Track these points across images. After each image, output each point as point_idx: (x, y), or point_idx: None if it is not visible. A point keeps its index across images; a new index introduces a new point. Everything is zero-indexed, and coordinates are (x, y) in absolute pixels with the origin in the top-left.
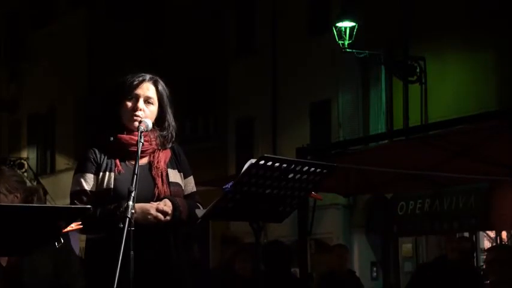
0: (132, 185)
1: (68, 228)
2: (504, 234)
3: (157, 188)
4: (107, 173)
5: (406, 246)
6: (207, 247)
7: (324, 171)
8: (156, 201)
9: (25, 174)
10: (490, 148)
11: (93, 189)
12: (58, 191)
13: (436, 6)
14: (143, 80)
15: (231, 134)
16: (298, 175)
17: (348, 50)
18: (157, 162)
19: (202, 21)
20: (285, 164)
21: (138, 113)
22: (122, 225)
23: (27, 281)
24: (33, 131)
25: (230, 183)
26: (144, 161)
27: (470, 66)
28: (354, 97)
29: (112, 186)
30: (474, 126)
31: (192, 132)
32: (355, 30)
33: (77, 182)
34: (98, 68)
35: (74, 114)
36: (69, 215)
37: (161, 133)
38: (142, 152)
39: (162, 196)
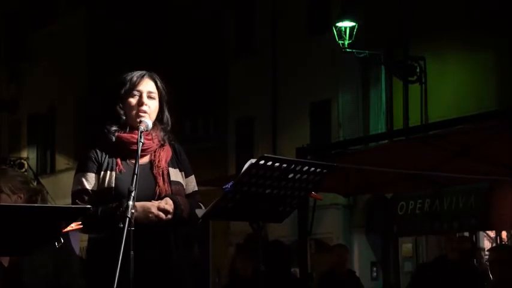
0: (132, 184)
1: (68, 228)
2: (504, 234)
3: (159, 186)
4: (108, 172)
5: (406, 246)
6: (207, 247)
7: (324, 171)
8: (157, 200)
9: (25, 174)
10: (490, 148)
11: (95, 188)
12: (58, 191)
13: (436, 6)
14: (143, 76)
15: (231, 134)
16: (298, 175)
17: (348, 50)
18: (159, 161)
19: (202, 21)
20: (285, 164)
21: (144, 108)
22: (121, 225)
23: (27, 281)
24: (33, 131)
25: (230, 183)
26: (145, 160)
27: (470, 66)
28: (354, 97)
29: (113, 185)
30: (474, 126)
31: (192, 132)
32: (355, 30)
33: (78, 182)
34: (98, 68)
35: (74, 114)
36: (69, 215)
37: (162, 127)
38: (143, 150)
39: (163, 195)
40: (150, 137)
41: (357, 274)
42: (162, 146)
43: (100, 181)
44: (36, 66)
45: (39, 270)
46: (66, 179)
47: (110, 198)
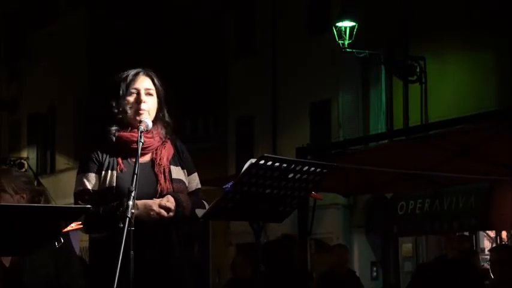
0: (132, 184)
1: (68, 228)
2: (504, 234)
3: (160, 184)
4: (109, 172)
5: (406, 246)
6: (207, 247)
7: (324, 171)
8: (159, 198)
9: (29, 174)
10: (490, 148)
11: (96, 188)
12: (58, 191)
13: (436, 6)
14: (138, 73)
15: (231, 134)
16: (298, 175)
17: (348, 50)
18: (160, 159)
19: (202, 21)
20: (285, 163)
21: (143, 105)
22: (121, 225)
23: (27, 281)
24: (33, 131)
25: (230, 183)
26: (146, 158)
27: (470, 66)
28: (354, 97)
29: (114, 184)
30: (474, 126)
31: (192, 132)
32: (355, 30)
33: (79, 182)
34: (98, 68)
35: (74, 114)
36: (70, 215)
37: (162, 123)
38: (144, 148)
39: (164, 193)
40: (150, 135)
41: (357, 274)
42: (163, 143)
43: (101, 181)
44: (36, 66)
45: (39, 270)
46: (66, 179)
47: (111, 198)
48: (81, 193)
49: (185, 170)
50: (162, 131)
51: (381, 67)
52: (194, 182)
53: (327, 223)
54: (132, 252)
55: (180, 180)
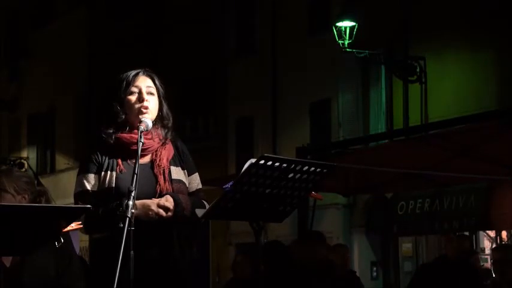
0: (132, 184)
1: (68, 228)
2: (504, 233)
3: (159, 185)
4: (109, 172)
5: (406, 246)
6: (207, 247)
7: (324, 170)
8: (158, 198)
9: (30, 175)
10: (490, 148)
11: (96, 189)
12: (58, 191)
13: (436, 6)
14: (138, 73)
15: (231, 134)
16: (298, 175)
17: (348, 49)
18: (160, 159)
19: (202, 21)
20: (284, 163)
21: (145, 103)
22: (121, 225)
23: (27, 281)
24: (33, 130)
25: (230, 183)
26: (146, 159)
27: (470, 66)
28: (354, 97)
29: (114, 185)
30: (474, 126)
31: (192, 132)
32: (355, 30)
33: (79, 183)
34: (98, 68)
35: (74, 114)
36: (70, 215)
37: (162, 124)
38: (144, 150)
39: (164, 193)
40: (150, 136)
41: (357, 274)
42: (163, 144)
43: (101, 181)
44: (36, 66)
45: (40, 270)
46: (66, 179)
47: (111, 198)
48: (81, 194)
49: (185, 171)
50: (162, 132)
51: (381, 67)
52: (195, 182)
53: (327, 223)
54: (132, 252)
55: (180, 181)
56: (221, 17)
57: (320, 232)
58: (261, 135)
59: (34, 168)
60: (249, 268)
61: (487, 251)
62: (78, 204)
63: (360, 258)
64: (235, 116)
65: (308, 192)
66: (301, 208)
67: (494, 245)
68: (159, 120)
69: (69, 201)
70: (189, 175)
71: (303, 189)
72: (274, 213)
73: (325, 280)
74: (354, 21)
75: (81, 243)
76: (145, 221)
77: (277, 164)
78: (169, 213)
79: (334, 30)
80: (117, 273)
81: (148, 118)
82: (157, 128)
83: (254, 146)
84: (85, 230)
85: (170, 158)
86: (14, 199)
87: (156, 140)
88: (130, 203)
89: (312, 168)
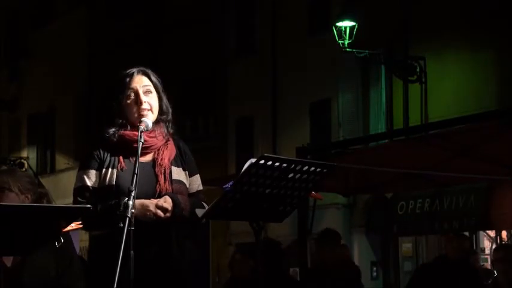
0: (132, 184)
1: (68, 228)
2: (504, 233)
3: (159, 185)
4: (110, 170)
5: (406, 246)
6: (207, 247)
7: (324, 170)
8: (157, 199)
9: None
10: (490, 148)
11: (96, 186)
12: (58, 191)
13: (436, 6)
14: (133, 73)
15: (231, 134)
16: (298, 174)
17: (348, 49)
18: (161, 159)
19: (202, 21)
20: (284, 163)
21: (144, 105)
22: (121, 225)
23: (27, 281)
24: (33, 130)
25: (230, 183)
26: (148, 157)
27: (470, 66)
28: (354, 97)
29: (114, 182)
30: (474, 126)
31: (192, 132)
32: (355, 30)
33: (79, 179)
34: (98, 68)
35: (74, 114)
36: (70, 215)
37: (161, 117)
38: (147, 148)
39: (163, 193)
40: (153, 135)
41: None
42: (166, 143)
43: (101, 178)
44: (36, 66)
45: (40, 270)
46: (66, 179)
47: (111, 196)
48: (80, 189)
49: (187, 172)
50: (164, 129)
51: (381, 67)
52: (195, 184)
53: (327, 223)
54: (132, 252)
55: (180, 182)
56: (221, 17)
57: (337, 232)
58: (261, 135)
59: (34, 168)
60: (247, 267)
61: (487, 251)
62: (76, 199)
63: (360, 258)
64: (235, 116)
65: (308, 192)
66: (301, 208)
67: (494, 245)
68: (159, 115)
69: (69, 201)
70: (190, 176)
71: (303, 189)
72: (274, 213)
73: (349, 279)
74: (354, 21)
75: (81, 243)
76: (144, 221)
77: (277, 164)
78: (168, 214)
79: (334, 30)
80: (117, 273)
81: (150, 118)
82: (161, 126)
83: (254, 146)
84: (83, 226)
85: (172, 158)
86: (18, 198)
87: (160, 138)
88: (131, 202)
89: (312, 168)
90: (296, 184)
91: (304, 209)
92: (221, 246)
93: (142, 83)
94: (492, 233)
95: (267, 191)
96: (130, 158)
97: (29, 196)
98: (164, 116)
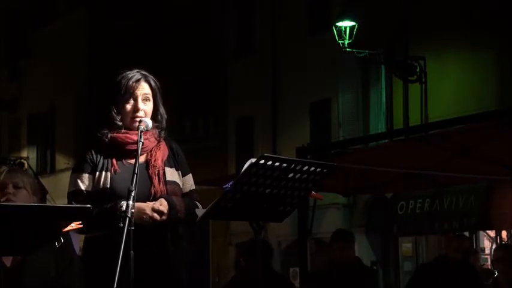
0: (132, 184)
1: (68, 228)
2: (504, 233)
3: (154, 186)
4: (103, 173)
5: (406, 246)
6: (207, 247)
7: (324, 170)
8: (152, 200)
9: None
10: (490, 148)
11: (90, 189)
12: (58, 191)
13: (436, 6)
14: (138, 80)
15: (231, 134)
16: (298, 174)
17: (348, 49)
18: (155, 160)
19: (202, 21)
20: (284, 163)
21: (139, 113)
22: (121, 225)
23: (27, 281)
24: (33, 130)
25: (230, 183)
26: (141, 159)
27: (470, 66)
28: (354, 97)
29: (108, 185)
30: (474, 126)
31: (192, 132)
32: (355, 30)
33: (73, 183)
34: (98, 68)
35: (74, 114)
36: (70, 215)
37: (156, 124)
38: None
39: (158, 195)
40: (146, 136)
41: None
42: (158, 144)
43: (95, 182)
44: (36, 66)
45: (40, 270)
46: (66, 179)
47: (105, 199)
48: (74, 193)
49: (180, 172)
50: (156, 132)
51: (381, 67)
52: (188, 183)
53: (327, 223)
54: (132, 252)
55: (174, 182)
56: (221, 17)
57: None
58: (261, 135)
59: (34, 168)
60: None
61: (487, 251)
62: (71, 203)
63: (360, 258)
64: (235, 116)
65: (308, 192)
66: (301, 208)
67: (494, 245)
68: (153, 120)
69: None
70: (183, 176)
71: (303, 189)
72: (274, 213)
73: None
74: (354, 21)
75: (81, 243)
76: (139, 223)
77: (277, 163)
78: (164, 217)
79: (334, 30)
80: (117, 273)
81: (148, 119)
82: (153, 128)
83: (254, 146)
84: (79, 230)
85: (165, 158)
86: (30, 199)
87: (152, 139)
88: (131, 202)
89: (312, 168)
90: (296, 184)
91: (304, 209)
92: (221, 246)
93: (143, 90)
94: (492, 233)
95: (267, 191)
96: (123, 161)
97: (36, 198)
98: (158, 124)
